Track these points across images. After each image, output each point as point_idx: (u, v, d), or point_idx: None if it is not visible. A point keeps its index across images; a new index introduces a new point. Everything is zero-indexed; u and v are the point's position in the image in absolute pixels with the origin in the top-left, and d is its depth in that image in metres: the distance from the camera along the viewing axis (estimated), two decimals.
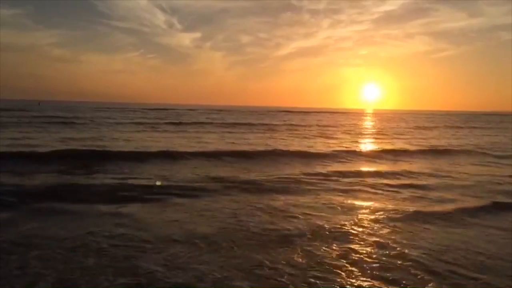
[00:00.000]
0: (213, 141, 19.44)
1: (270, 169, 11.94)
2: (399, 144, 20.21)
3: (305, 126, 36.16)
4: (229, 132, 26.11)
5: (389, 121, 53.21)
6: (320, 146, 18.64)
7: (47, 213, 6.71)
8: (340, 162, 14.00)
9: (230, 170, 11.56)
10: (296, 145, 18.78)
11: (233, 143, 19.00)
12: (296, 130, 30.70)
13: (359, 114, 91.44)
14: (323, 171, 11.64)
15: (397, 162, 14.37)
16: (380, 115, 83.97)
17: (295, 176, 10.59)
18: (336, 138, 23.60)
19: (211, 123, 35.66)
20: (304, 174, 11.01)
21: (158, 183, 9.40)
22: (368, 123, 45.65)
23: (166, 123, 32.93)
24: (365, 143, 21.56)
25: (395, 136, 26.73)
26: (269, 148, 16.35)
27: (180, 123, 33.22)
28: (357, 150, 17.23)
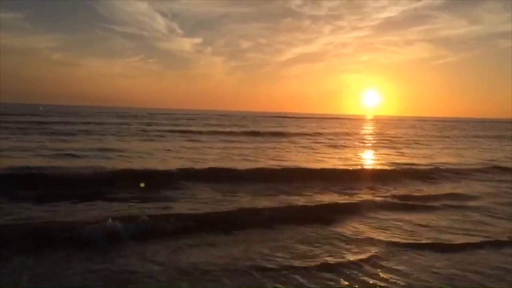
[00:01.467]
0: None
1: None
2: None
3: (334, 134, 34.36)
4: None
5: (409, 128, 51.95)
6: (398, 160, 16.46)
7: None
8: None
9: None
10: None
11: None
12: (334, 139, 29.02)
13: (367, 121, 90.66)
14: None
15: None
16: (391, 122, 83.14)
17: None
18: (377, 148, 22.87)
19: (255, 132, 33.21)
20: None
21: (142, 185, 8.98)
22: (391, 131, 44.03)
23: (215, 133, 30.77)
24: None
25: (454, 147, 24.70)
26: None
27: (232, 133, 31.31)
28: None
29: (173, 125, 40.01)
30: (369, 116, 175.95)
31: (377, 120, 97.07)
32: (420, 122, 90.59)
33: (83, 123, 36.53)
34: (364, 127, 53.73)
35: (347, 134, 36.14)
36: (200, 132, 30.48)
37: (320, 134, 34.37)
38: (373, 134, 37.60)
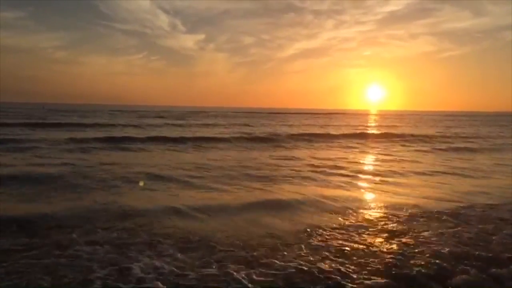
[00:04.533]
0: None
1: None
2: None
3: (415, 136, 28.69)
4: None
5: (459, 126, 49.25)
6: None
7: None
8: None
9: None
10: None
11: None
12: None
13: (387, 116, 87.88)
14: None
15: None
16: (410, 117, 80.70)
17: None
18: None
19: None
20: None
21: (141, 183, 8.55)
22: (453, 128, 40.69)
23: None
24: None
25: None
26: None
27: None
28: None
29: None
30: (373, 111, 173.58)
31: (395, 115, 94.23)
32: (436, 116, 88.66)
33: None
34: (409, 124, 50.57)
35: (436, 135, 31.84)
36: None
37: (407, 135, 29.87)
38: (453, 133, 32.99)
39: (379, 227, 6.50)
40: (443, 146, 21.93)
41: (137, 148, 17.15)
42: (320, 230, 6.22)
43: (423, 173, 12.13)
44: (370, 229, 6.35)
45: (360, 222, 6.77)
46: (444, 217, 7.04)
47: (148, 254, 5.12)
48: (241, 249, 5.35)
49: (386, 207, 7.81)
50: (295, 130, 32.07)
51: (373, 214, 7.30)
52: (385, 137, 27.23)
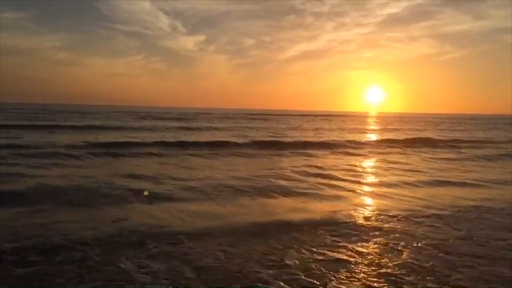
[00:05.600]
0: None
1: None
2: None
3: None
4: None
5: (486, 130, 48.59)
6: None
7: None
8: None
9: None
10: None
11: None
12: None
13: (383, 118, 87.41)
14: None
15: None
16: (406, 119, 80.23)
17: None
18: None
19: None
20: None
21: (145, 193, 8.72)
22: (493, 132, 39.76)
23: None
24: None
25: None
26: None
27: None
28: None
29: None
30: (374, 113, 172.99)
31: (396, 118, 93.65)
32: (436, 119, 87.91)
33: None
34: (422, 127, 50.00)
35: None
36: None
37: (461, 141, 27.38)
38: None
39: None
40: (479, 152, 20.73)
41: (136, 154, 16.47)
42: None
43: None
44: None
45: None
46: None
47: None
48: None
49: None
50: (299, 134, 31.60)
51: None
52: (400, 142, 25.55)
